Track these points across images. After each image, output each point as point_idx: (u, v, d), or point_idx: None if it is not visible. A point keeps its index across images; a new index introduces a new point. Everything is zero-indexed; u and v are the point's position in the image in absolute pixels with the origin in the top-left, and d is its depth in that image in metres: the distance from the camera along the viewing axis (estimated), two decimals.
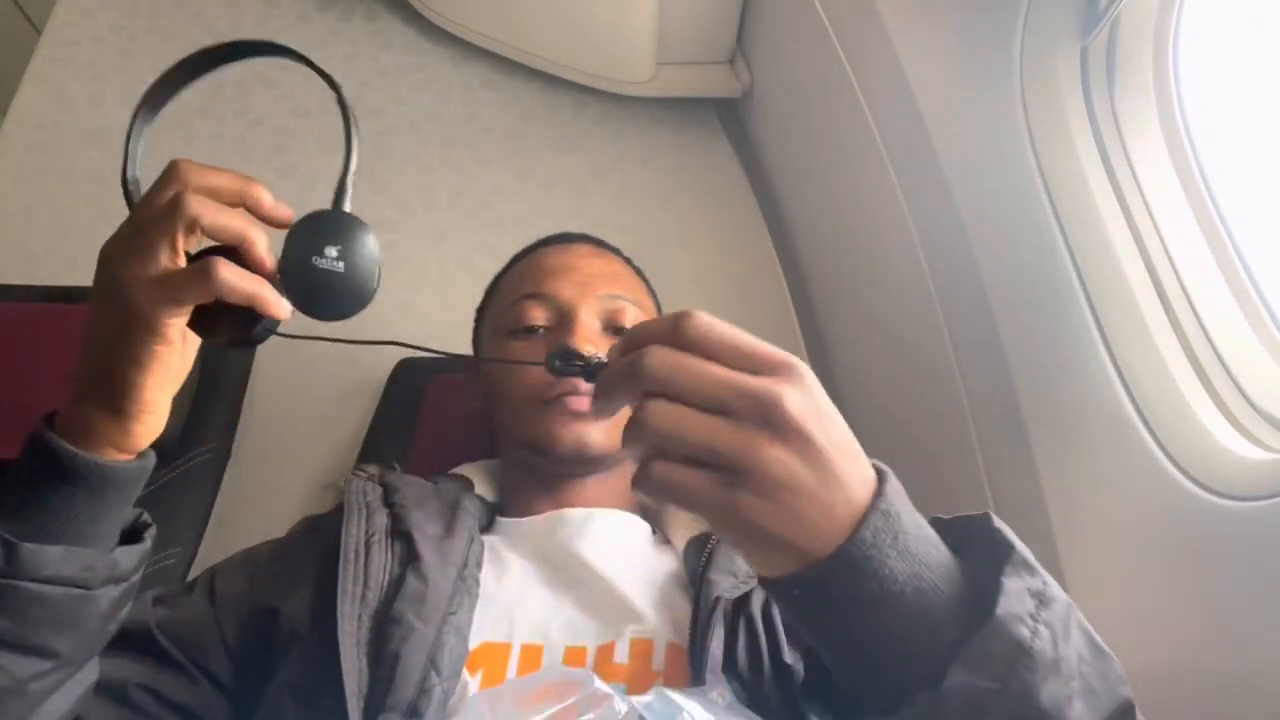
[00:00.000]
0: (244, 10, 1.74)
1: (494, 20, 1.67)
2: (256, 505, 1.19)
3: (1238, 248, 0.76)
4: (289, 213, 0.53)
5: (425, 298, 1.46)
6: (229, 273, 0.48)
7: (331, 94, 0.53)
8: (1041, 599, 0.43)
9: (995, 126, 0.89)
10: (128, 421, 0.52)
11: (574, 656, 0.67)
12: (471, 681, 0.65)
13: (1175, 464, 0.73)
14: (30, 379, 1.05)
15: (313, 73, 0.53)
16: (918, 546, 0.43)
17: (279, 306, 0.51)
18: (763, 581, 0.45)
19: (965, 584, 0.44)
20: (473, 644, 0.67)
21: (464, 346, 0.98)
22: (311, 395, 1.32)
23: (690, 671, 0.65)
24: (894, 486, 0.43)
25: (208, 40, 0.55)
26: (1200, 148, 0.79)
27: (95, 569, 0.52)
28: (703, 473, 0.40)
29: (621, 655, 0.67)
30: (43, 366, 1.06)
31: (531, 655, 0.67)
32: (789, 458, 0.40)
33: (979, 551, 0.46)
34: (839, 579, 0.41)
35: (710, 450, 0.40)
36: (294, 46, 0.54)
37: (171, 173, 0.51)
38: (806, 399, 0.41)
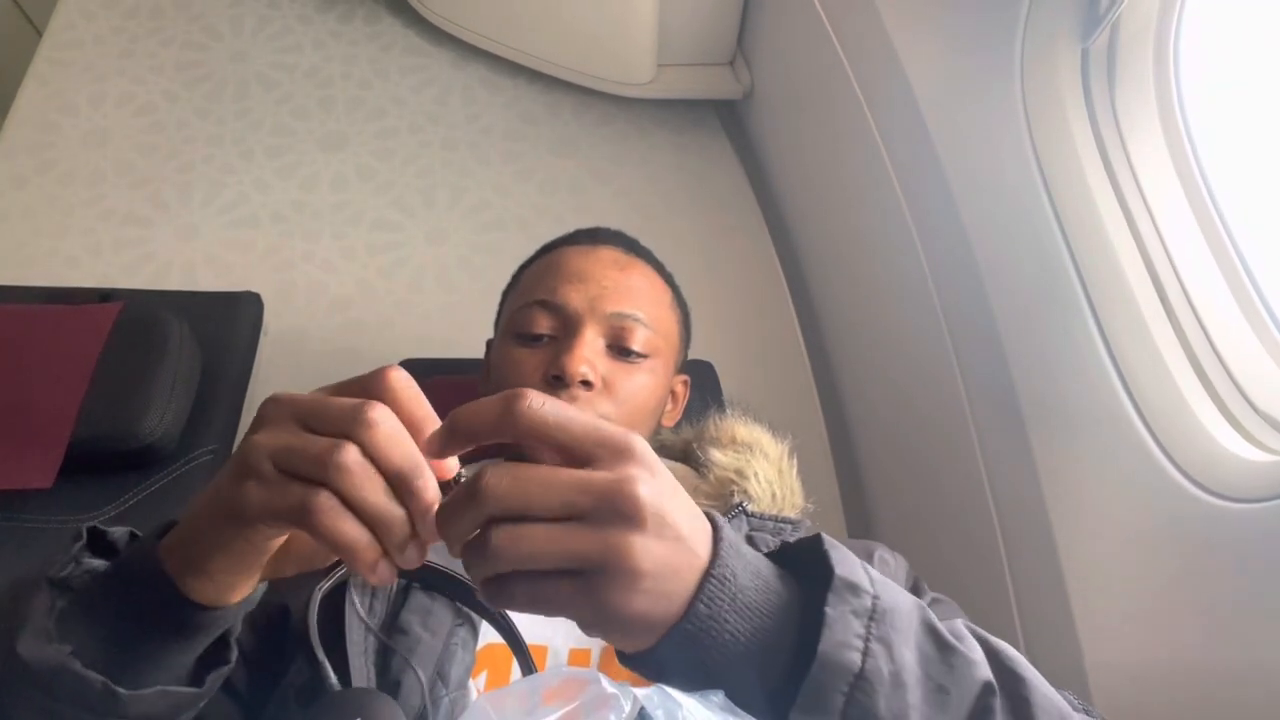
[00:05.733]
0: (245, 12, 1.74)
1: (494, 22, 1.67)
2: None
3: (1238, 248, 0.76)
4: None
5: (426, 298, 1.46)
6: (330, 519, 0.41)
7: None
8: (872, 616, 0.42)
9: (996, 127, 0.89)
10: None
11: (578, 658, 0.67)
12: (475, 683, 0.65)
13: (1175, 465, 0.73)
14: (30, 379, 1.05)
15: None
16: (756, 599, 0.43)
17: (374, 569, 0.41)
18: (623, 658, 0.44)
19: (802, 618, 0.43)
20: (477, 645, 0.67)
21: (465, 346, 0.98)
22: None
23: None
24: (727, 543, 0.43)
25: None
26: (1200, 148, 0.79)
27: (182, 705, 0.50)
28: (564, 579, 0.39)
29: None
30: (43, 366, 1.06)
31: (535, 657, 0.67)
32: (647, 542, 0.39)
33: (815, 579, 0.45)
34: (681, 654, 0.41)
35: (571, 558, 0.39)
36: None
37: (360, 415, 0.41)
38: (654, 479, 0.40)
